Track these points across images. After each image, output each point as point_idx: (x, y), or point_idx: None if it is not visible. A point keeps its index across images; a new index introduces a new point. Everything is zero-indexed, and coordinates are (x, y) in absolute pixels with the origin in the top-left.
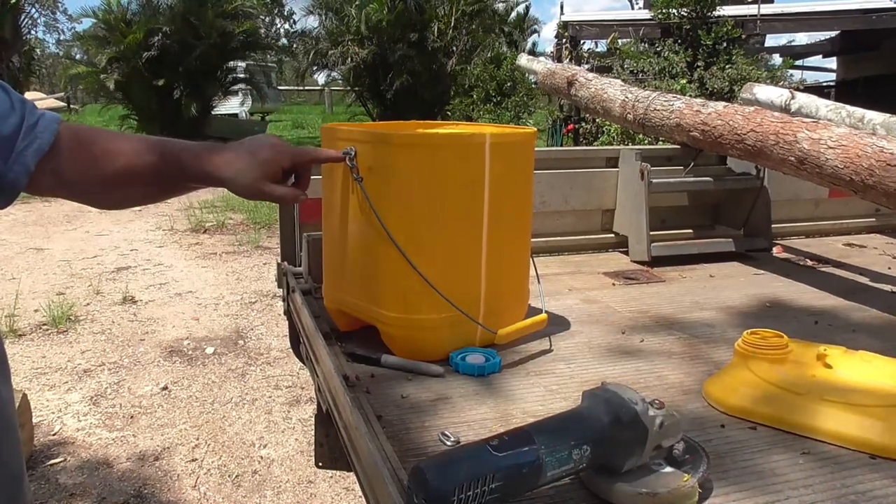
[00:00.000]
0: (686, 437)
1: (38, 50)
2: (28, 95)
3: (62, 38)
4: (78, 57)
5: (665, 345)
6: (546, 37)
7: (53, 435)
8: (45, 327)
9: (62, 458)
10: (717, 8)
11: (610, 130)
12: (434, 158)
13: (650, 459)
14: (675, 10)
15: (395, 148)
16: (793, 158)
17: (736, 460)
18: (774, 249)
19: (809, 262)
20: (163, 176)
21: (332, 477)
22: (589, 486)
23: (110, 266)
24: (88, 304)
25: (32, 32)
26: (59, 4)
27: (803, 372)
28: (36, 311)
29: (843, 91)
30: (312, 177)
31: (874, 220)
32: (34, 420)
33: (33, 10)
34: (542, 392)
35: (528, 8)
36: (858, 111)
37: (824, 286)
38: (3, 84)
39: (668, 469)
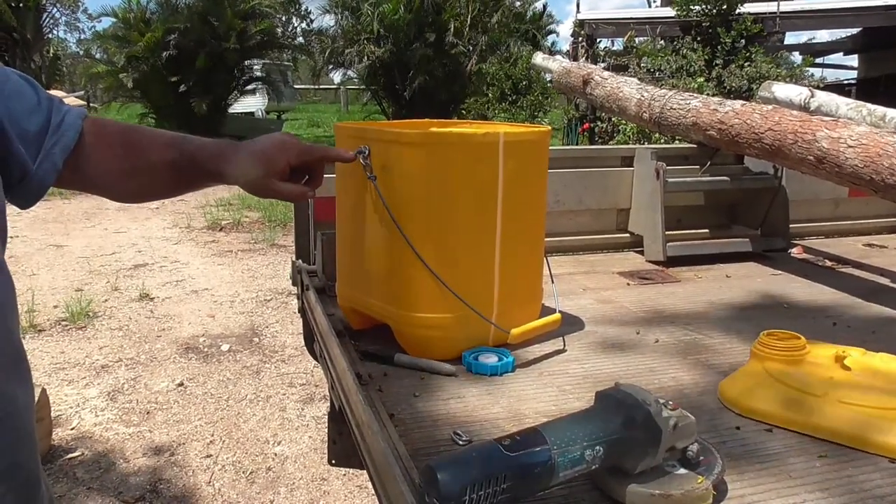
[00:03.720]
0: (700, 438)
1: (54, 49)
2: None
3: (82, 37)
4: (98, 56)
5: (680, 345)
6: (562, 35)
7: (71, 429)
8: (64, 323)
9: (80, 453)
10: (739, 5)
11: (626, 129)
12: (447, 157)
13: (664, 461)
14: (697, 7)
15: (409, 147)
16: (812, 157)
17: (751, 462)
18: (794, 250)
19: (828, 263)
20: (180, 173)
21: (345, 475)
22: (601, 486)
23: (128, 263)
24: (106, 300)
25: (54, 32)
26: (80, 4)
27: (821, 373)
28: (55, 306)
29: (865, 89)
30: (327, 175)
31: (895, 220)
32: (52, 414)
33: (55, 9)
34: (555, 392)
35: (545, 6)
36: (880, 109)
37: (843, 287)
38: (32, 81)
39: (682, 471)
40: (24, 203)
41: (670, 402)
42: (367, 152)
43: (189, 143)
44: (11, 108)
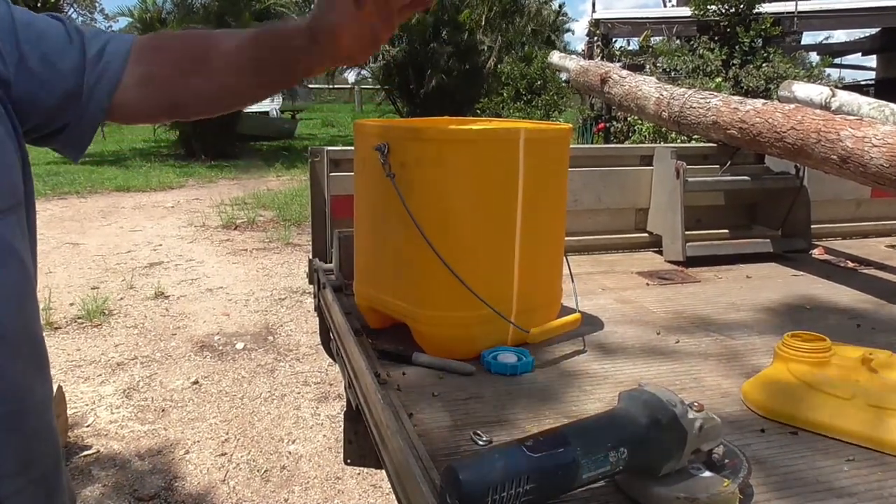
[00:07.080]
0: (725, 441)
1: None
2: None
3: None
4: None
5: (701, 346)
6: (577, 34)
7: (87, 426)
8: (80, 320)
9: (95, 450)
10: (758, 5)
11: (641, 129)
12: (467, 154)
13: (689, 463)
14: (714, 7)
15: (428, 143)
16: (835, 157)
17: (777, 466)
18: (815, 251)
19: (850, 264)
20: (267, 57)
21: (359, 474)
22: (625, 489)
23: (143, 261)
24: (122, 298)
25: None
26: (97, 4)
27: (847, 376)
28: (71, 304)
29: (883, 89)
30: (344, 174)
31: None
32: (69, 412)
33: (72, 9)
34: (575, 393)
35: (561, 6)
36: None
37: (866, 288)
38: (60, 17)
39: (708, 473)
40: (77, 149)
41: (695, 404)
42: (386, 149)
43: (273, 25)
44: (43, 50)
